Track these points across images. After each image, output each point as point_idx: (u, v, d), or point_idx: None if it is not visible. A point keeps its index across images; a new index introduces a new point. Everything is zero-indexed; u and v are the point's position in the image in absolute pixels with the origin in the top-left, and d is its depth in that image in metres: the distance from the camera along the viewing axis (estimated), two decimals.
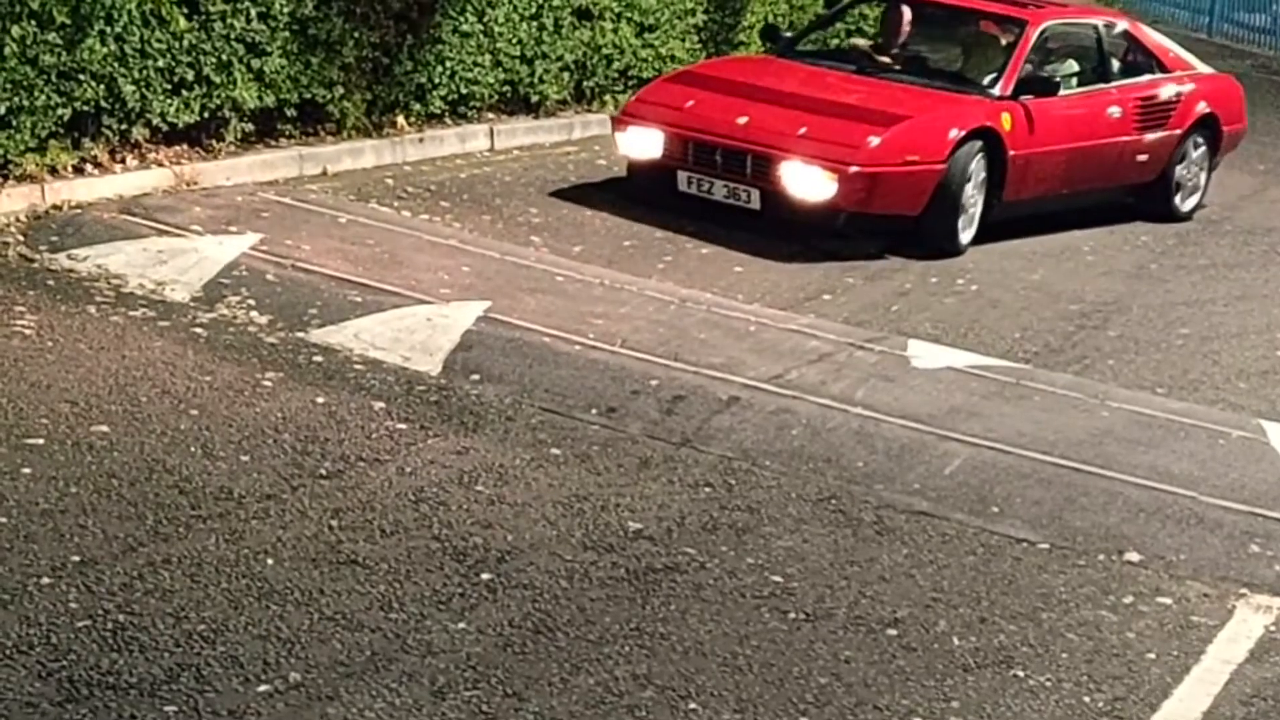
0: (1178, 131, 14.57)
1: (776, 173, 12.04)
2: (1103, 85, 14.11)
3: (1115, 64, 14.49)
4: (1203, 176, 15.14)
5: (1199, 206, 15.10)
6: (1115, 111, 13.95)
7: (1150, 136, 14.32)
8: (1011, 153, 12.75)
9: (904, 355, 9.88)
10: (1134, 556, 7.50)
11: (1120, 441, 8.88)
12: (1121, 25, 15.13)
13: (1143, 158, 14.35)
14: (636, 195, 12.86)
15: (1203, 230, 14.72)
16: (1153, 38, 15.39)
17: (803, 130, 12.16)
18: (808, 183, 11.97)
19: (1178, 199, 14.88)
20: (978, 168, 12.54)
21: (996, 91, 13.02)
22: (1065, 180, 13.59)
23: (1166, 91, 14.59)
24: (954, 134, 12.33)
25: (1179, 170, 14.77)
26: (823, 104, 12.58)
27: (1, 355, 8.14)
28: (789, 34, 14.99)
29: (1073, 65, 14.09)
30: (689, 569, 6.82)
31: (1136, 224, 14.49)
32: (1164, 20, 32.66)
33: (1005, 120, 12.74)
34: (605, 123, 15.82)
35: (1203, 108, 14.86)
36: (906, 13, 14.07)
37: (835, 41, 16.90)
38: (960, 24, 14.52)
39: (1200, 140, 14.94)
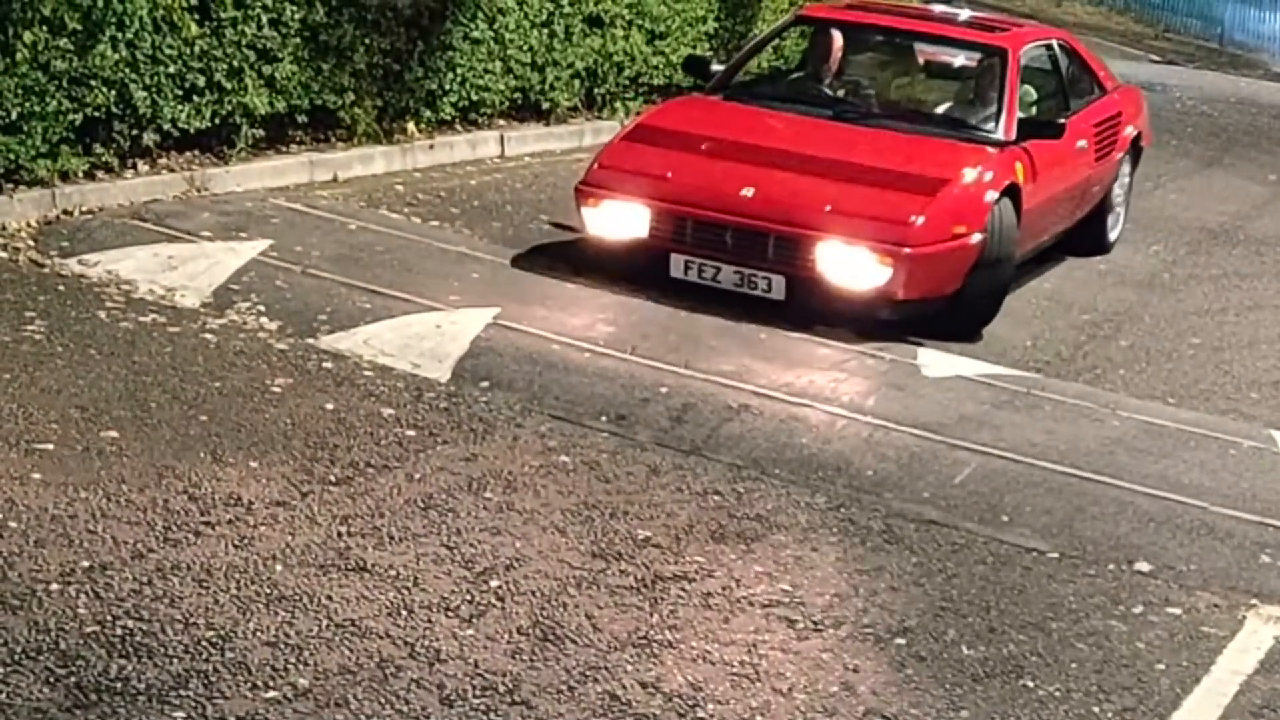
0: (1118, 155, 13.43)
1: (809, 257, 10.10)
2: (1065, 113, 12.32)
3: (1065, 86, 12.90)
4: (1126, 201, 13.95)
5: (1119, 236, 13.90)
6: (1082, 144, 12.44)
7: (1102, 165, 13.02)
8: (1026, 207, 11.08)
9: (914, 363, 9.87)
10: (1144, 566, 7.49)
11: (1131, 451, 8.87)
12: (1062, 42, 13.41)
13: (1096, 189, 13.10)
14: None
15: (1215, 240, 14.70)
16: (1086, 51, 13.96)
17: (830, 203, 10.22)
18: (851, 268, 10.07)
19: (1110, 229, 13.61)
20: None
21: (1000, 136, 11.30)
22: (1049, 228, 12.18)
23: (1109, 112, 13.31)
24: (990, 197, 10.60)
25: (1114, 197, 13.56)
26: (833, 166, 10.62)
27: (12, 360, 8.14)
28: (717, 66, 12.58)
29: (1030, 92, 12.24)
30: (698, 577, 6.82)
31: (1147, 233, 14.47)
32: (1176, 29, 32.69)
33: (1019, 171, 11.04)
34: (615, 129, 15.85)
35: (1130, 128, 13.69)
36: (838, 39, 12.30)
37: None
38: (908, 52, 13.00)
39: (1129, 162, 13.82)
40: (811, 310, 10.21)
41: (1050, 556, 7.49)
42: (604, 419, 8.39)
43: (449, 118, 14.03)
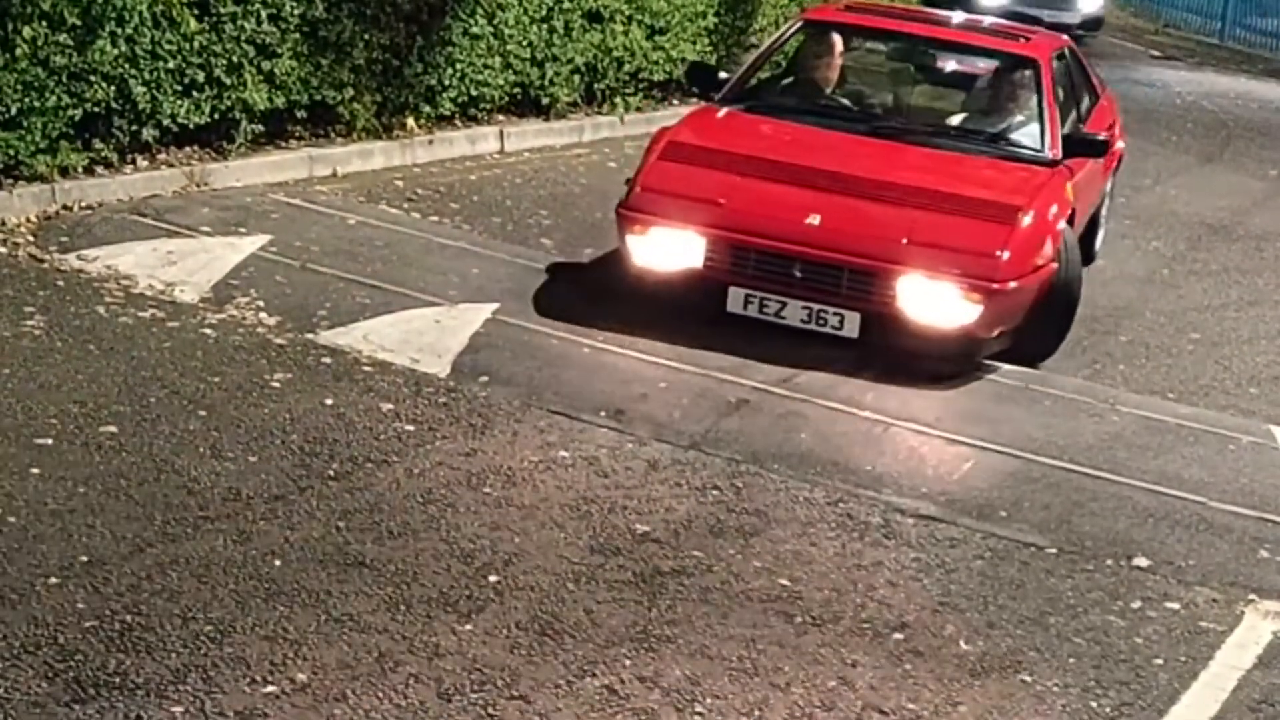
0: (1114, 165, 13.05)
1: (888, 292, 9.34)
2: (1080, 124, 11.86)
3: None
4: (1107, 210, 13.39)
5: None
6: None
7: (1108, 176, 12.77)
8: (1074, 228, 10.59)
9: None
10: (1142, 561, 7.49)
11: (1130, 446, 8.88)
12: (1070, 47, 12.71)
13: (1106, 202, 12.95)
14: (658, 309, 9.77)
15: (1215, 235, 14.71)
16: (1082, 54, 13.34)
17: (907, 234, 9.45)
18: (936, 305, 9.34)
19: (1097, 239, 13.11)
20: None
21: (1048, 155, 10.61)
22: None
23: (1107, 121, 12.84)
24: (1061, 224, 10.10)
25: (1104, 209, 13.13)
26: (895, 190, 9.80)
27: (11, 355, 8.14)
28: (723, 74, 11.76)
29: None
30: (696, 572, 6.82)
31: (1147, 229, 14.48)
32: (1175, 24, 32.67)
33: (1070, 192, 10.50)
34: (615, 125, 15.89)
35: (1117, 133, 13.14)
36: (838, 44, 11.57)
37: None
38: (926, 59, 12.47)
39: (1113, 171, 13.21)
40: (886, 349, 9.46)
41: (1049, 552, 7.49)
42: (603, 414, 8.39)
43: (448, 113, 14.04)
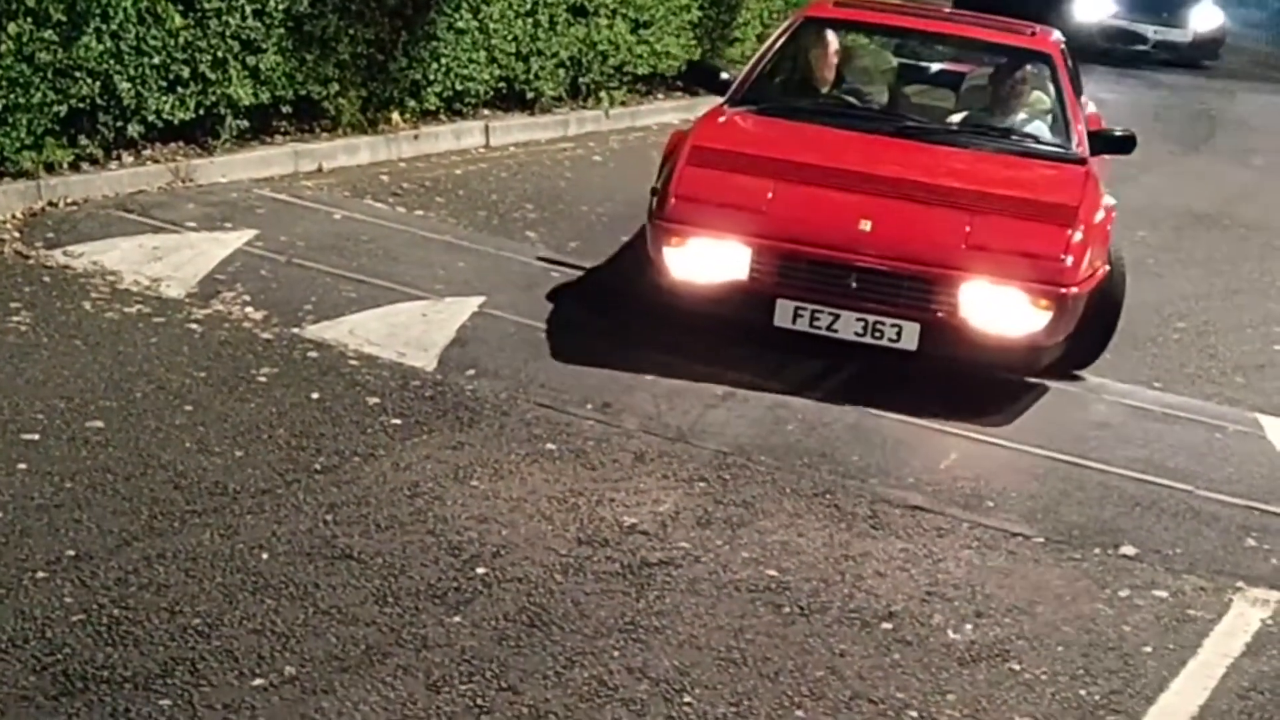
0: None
1: (950, 301, 8.86)
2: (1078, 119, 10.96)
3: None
4: None
5: None
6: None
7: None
8: None
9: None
10: (1130, 550, 7.50)
11: (1116, 435, 8.88)
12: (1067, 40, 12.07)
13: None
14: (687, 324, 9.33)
15: (1200, 224, 14.72)
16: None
17: (966, 238, 8.97)
18: (1002, 313, 8.90)
19: None
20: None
21: (1076, 152, 10.24)
22: None
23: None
24: (1109, 225, 9.69)
25: None
26: (944, 192, 9.31)
27: None
28: (724, 75, 11.12)
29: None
30: (684, 563, 6.82)
31: (1133, 218, 14.47)
32: None
33: (1102, 190, 10.08)
34: (600, 119, 15.89)
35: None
36: (833, 42, 11.04)
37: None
38: (929, 56, 12.30)
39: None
40: (945, 360, 9.08)
41: (1036, 541, 7.50)
42: (589, 406, 8.39)
43: (434, 108, 14.02)
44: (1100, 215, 9.51)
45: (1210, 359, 10.76)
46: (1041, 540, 7.50)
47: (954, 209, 9.14)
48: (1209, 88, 24.53)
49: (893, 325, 8.87)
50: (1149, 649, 6.59)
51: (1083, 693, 6.18)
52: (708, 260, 9.08)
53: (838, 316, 8.89)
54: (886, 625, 6.51)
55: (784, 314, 8.94)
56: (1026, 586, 7.02)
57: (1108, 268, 9.54)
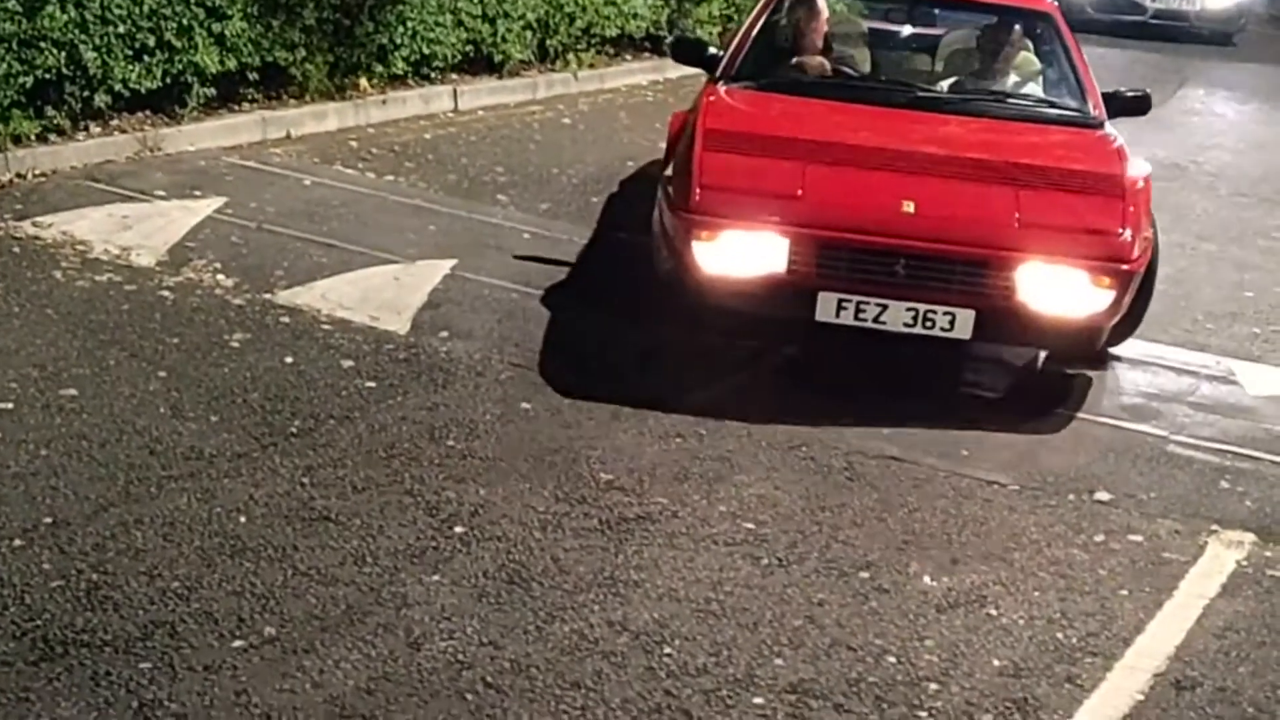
0: None
1: (1006, 284, 8.19)
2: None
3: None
4: None
5: None
6: None
7: None
8: None
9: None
10: (1104, 496, 7.53)
11: (1088, 383, 8.91)
12: None
13: None
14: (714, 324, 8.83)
15: (1170, 174, 14.74)
16: None
17: (1017, 216, 8.32)
18: (1063, 294, 8.26)
19: None
20: None
21: (1094, 116, 9.69)
22: None
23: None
24: (1148, 193, 8.97)
25: None
26: (986, 167, 8.67)
27: None
28: (711, 50, 10.44)
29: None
30: (661, 518, 6.83)
31: None
32: None
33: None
34: (569, 81, 15.87)
35: None
36: (824, 9, 10.58)
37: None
38: (922, 20, 11.75)
39: None
40: (996, 347, 8.77)
41: (1011, 489, 7.52)
42: (564, 365, 8.39)
43: (401, 73, 13.99)
44: (1140, 183, 8.85)
45: (1180, 307, 10.78)
46: (1017, 488, 7.53)
47: (998, 184, 8.51)
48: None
49: (945, 313, 8.19)
50: (1125, 592, 6.62)
51: (1060, 636, 6.21)
52: (741, 254, 8.31)
53: (885, 307, 8.19)
54: (864, 574, 6.53)
55: (827, 308, 8.23)
56: (1002, 533, 7.05)
57: (1152, 239, 8.92)
